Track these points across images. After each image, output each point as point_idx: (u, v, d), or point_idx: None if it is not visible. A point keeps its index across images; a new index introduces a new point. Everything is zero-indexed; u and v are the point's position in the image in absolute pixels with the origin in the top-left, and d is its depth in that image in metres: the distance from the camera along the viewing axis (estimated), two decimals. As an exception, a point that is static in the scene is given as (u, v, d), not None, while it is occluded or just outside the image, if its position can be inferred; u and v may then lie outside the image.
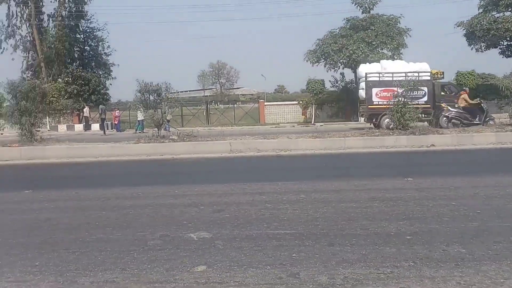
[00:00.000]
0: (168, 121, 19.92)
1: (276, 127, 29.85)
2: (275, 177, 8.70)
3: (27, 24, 40.99)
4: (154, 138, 13.79)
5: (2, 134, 30.67)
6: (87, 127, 32.30)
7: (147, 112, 15.80)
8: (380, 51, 31.61)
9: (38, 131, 14.58)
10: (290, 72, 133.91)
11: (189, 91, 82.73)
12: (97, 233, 5.08)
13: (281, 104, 39.22)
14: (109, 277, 3.79)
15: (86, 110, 33.06)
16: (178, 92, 21.47)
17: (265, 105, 38.45)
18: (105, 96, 39.21)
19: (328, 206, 5.95)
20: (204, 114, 38.64)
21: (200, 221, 5.43)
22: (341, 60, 31.91)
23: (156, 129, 14.25)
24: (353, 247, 4.30)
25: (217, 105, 53.37)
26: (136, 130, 27.50)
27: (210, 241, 4.64)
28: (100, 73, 43.94)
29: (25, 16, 40.94)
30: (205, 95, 79.05)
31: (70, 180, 9.51)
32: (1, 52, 41.37)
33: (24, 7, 40.62)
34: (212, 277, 3.67)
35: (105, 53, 45.30)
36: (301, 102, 36.72)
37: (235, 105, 40.61)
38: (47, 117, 30.97)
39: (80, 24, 43.36)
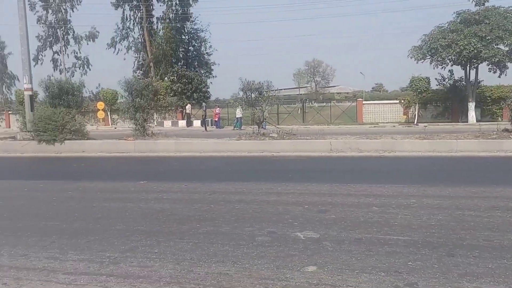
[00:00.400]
0: (265, 119, 20.22)
1: (375, 126, 28.75)
2: (381, 179, 8.33)
3: (139, 27, 44.47)
4: (254, 135, 14.07)
5: (115, 128, 33.75)
6: (189, 123, 34.09)
7: (249, 110, 16.20)
8: (495, 46, 28.78)
9: (149, 126, 15.72)
10: (389, 69, 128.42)
11: (284, 89, 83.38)
12: (207, 226, 5.28)
13: (381, 103, 37.71)
14: (222, 269, 3.90)
15: (188, 107, 34.91)
16: (279, 90, 21.69)
17: (364, 103, 37.27)
18: (206, 94, 41.09)
19: (443, 213, 5.53)
20: (299, 112, 38.58)
21: (305, 220, 5.39)
22: (450, 57, 29.65)
23: (256, 126, 14.52)
24: (476, 259, 3.94)
25: (312, 103, 52.98)
26: (235, 127, 28.37)
27: (318, 241, 4.57)
28: (202, 72, 46.21)
29: (137, 19, 44.47)
30: (300, 93, 79.04)
31: (179, 173, 10.08)
32: (117, 53, 45.46)
33: (136, 11, 44.10)
34: (324, 279, 3.59)
35: (207, 53, 47.54)
36: (402, 101, 34.94)
37: (331, 104, 39.93)
38: (155, 113, 33.27)
39: (185, 26, 45.91)
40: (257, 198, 6.70)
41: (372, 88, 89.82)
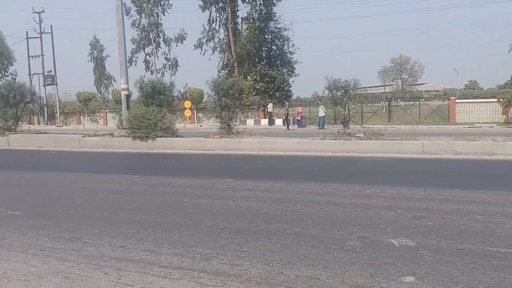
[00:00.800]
0: (350, 118, 19.62)
1: (469, 127, 26.69)
2: (481, 185, 7.65)
3: (224, 28, 45.78)
4: (339, 135, 13.72)
5: (201, 126, 35.06)
6: (271, 122, 34.35)
7: (332, 109, 15.86)
8: None
9: (235, 125, 16.06)
10: (485, 66, 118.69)
11: (368, 87, 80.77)
12: (295, 227, 5.19)
13: (476, 102, 34.96)
14: (313, 273, 3.79)
15: (270, 106, 35.19)
16: (366, 88, 20.97)
17: (457, 102, 34.80)
18: (288, 93, 41.12)
19: (562, 227, 4.90)
20: (384, 111, 37.07)
21: (399, 226, 5.08)
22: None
23: (341, 126, 14.15)
24: None
25: (398, 102, 50.67)
26: (319, 126, 28.03)
27: (414, 249, 4.27)
28: (284, 71, 46.39)
29: (222, 20, 45.81)
30: (385, 91, 76.10)
31: (263, 171, 10.13)
32: (203, 54, 47.28)
33: (222, 12, 45.43)
34: (424, 292, 3.33)
35: (289, 51, 47.67)
36: (501, 99, 32.04)
37: (419, 102, 37.81)
38: (239, 112, 33.98)
39: (268, 25, 46.38)
40: (345, 200, 6.48)
41: (465, 85, 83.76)
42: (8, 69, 59.39)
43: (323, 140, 13.38)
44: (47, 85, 43.61)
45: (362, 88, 14.76)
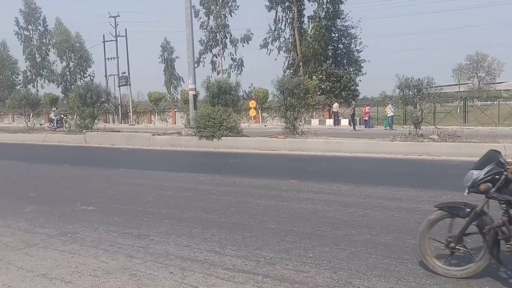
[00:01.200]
0: (423, 119, 18.56)
1: (557, 129, 24.31)
2: None
3: (290, 27, 45.56)
4: (411, 136, 13.00)
5: (265, 126, 35.15)
6: (337, 122, 33.59)
7: (401, 109, 15.12)
8: None
9: (300, 124, 15.83)
10: None
11: (441, 86, 76.57)
12: (364, 233, 4.92)
13: None
14: (385, 285, 3.54)
15: (335, 105, 34.42)
16: (441, 87, 19.78)
17: (542, 102, 31.88)
18: (355, 92, 40.02)
19: None
20: (458, 111, 34.86)
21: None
22: None
23: (412, 126, 13.41)
24: None
25: (473, 101, 47.48)
26: (386, 127, 26.98)
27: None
28: (351, 69, 45.24)
29: (288, 20, 45.61)
30: (459, 90, 71.80)
31: (329, 173, 9.83)
32: (268, 54, 47.38)
33: (288, 11, 45.24)
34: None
35: (356, 49, 46.42)
36: None
37: (498, 102, 35.04)
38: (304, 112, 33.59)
39: (335, 23, 45.49)
40: (418, 207, 6.06)
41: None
42: (87, 70, 63.72)
43: (392, 141, 12.75)
44: (121, 85, 45.99)
45: (436, 87, 13.85)
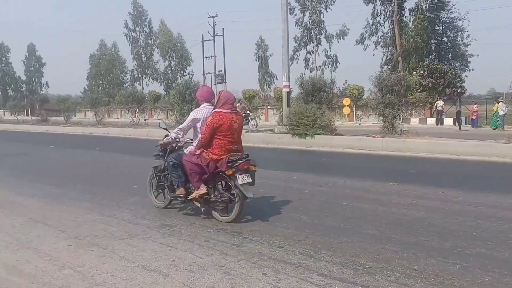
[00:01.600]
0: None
1: None
2: None
3: (389, 21, 43.47)
4: (531, 138, 11.59)
5: (360, 124, 33.97)
6: (440, 121, 31.28)
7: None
8: None
9: (399, 123, 14.94)
10: None
11: None
12: (477, 246, 4.39)
13: None
14: (506, 311, 3.06)
15: (439, 103, 32.07)
16: None
17: None
18: (461, 89, 36.96)
19: None
20: None
21: None
22: None
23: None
24: None
25: None
26: (492, 126, 24.48)
27: None
28: (457, 65, 41.89)
29: (387, 13, 43.55)
30: None
31: (433, 177, 9.05)
32: (365, 49, 45.76)
33: (387, 4, 43.18)
34: None
35: (463, 43, 42.82)
36: None
37: None
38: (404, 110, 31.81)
39: (439, 15, 42.44)
40: (543, 220, 5.28)
41: None
42: (186, 69, 67.16)
43: (507, 143, 11.43)
44: (218, 83, 47.67)
45: None
